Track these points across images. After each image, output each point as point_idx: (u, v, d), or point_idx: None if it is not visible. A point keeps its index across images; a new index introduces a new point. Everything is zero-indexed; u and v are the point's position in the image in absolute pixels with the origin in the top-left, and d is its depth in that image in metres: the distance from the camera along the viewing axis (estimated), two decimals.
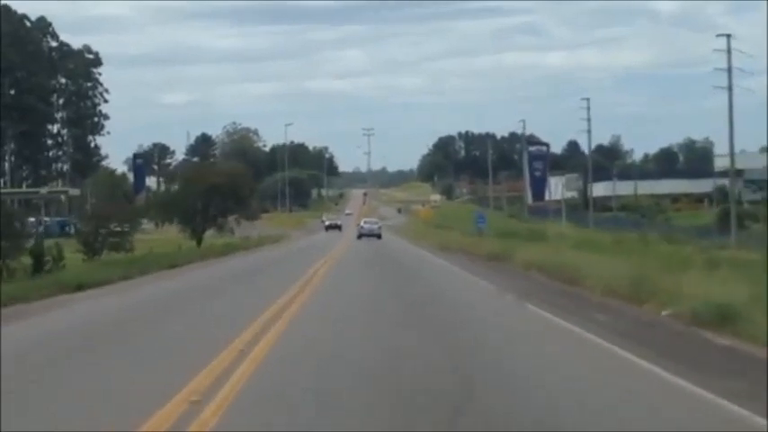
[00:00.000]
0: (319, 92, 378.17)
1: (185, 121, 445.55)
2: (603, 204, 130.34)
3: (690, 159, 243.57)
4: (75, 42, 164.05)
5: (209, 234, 72.83)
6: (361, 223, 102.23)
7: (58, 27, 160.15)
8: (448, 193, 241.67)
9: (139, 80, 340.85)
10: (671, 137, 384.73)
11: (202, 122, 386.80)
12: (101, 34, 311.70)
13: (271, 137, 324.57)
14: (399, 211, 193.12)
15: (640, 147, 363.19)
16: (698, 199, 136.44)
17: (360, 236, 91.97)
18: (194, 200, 68.40)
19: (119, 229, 49.57)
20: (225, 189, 69.10)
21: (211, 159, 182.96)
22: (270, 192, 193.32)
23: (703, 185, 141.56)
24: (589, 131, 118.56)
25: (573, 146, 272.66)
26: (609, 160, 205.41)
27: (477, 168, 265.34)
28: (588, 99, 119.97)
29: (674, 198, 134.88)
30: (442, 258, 53.36)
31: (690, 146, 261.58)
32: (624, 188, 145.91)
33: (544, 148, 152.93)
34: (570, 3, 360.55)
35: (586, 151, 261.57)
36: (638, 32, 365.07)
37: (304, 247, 75.19)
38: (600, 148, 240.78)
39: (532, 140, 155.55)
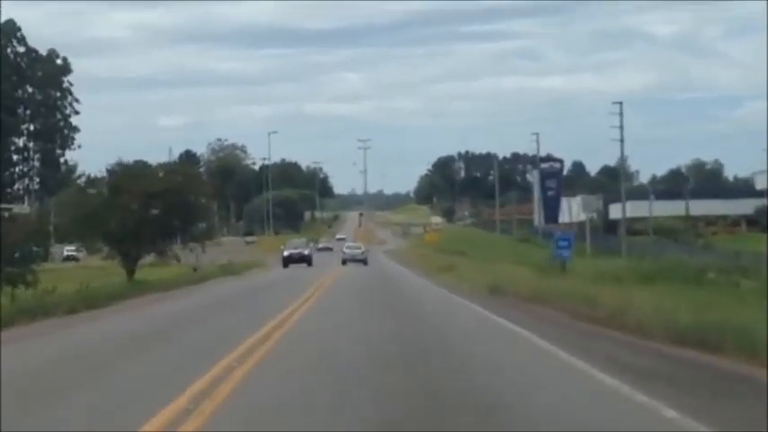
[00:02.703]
0: (317, 114, 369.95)
1: (181, 143, 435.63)
2: (627, 227, 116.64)
3: (700, 181, 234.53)
4: (75, 64, 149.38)
5: (149, 261, 54.71)
6: (344, 249, 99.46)
7: (59, 50, 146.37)
8: (448, 215, 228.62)
9: (136, 102, 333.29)
10: (675, 159, 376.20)
11: (198, 144, 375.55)
12: (100, 57, 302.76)
13: (263, 156, 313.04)
14: (425, 229, 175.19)
15: (645, 169, 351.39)
16: (734, 222, 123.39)
17: (344, 261, 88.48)
18: (123, 215, 49.52)
19: (16, 254, 34.92)
20: (168, 199, 50.57)
21: None
22: (258, 213, 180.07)
23: (733, 207, 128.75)
24: (622, 140, 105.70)
25: (578, 167, 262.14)
26: (617, 181, 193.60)
27: (478, 190, 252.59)
28: (621, 103, 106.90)
29: (709, 220, 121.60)
30: (533, 332, 22.04)
31: (699, 167, 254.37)
32: (640, 209, 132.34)
33: (557, 165, 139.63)
34: (568, 27, 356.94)
35: (592, 173, 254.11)
36: (636, 56, 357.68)
37: (262, 285, 49.79)
38: (606, 169, 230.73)
39: (544, 157, 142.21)
